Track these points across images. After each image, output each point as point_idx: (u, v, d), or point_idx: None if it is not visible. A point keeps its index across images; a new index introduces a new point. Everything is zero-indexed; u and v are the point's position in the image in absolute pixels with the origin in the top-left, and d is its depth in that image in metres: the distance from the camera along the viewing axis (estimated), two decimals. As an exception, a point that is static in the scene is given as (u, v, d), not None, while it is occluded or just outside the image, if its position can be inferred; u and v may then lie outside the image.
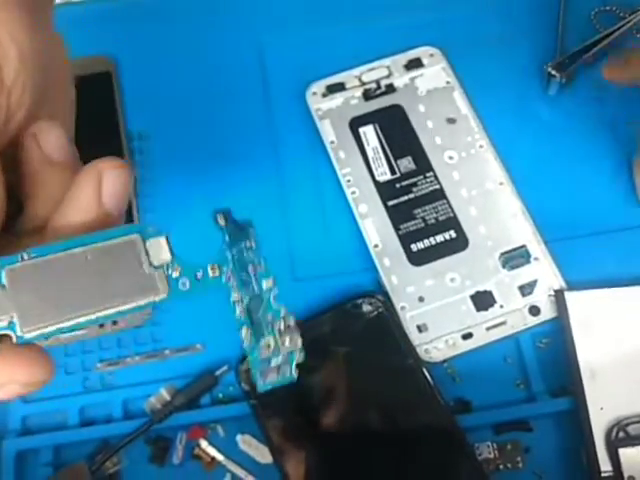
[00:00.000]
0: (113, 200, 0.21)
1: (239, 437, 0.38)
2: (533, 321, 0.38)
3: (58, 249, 0.19)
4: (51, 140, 0.22)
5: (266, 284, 0.21)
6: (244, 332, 0.21)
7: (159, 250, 0.20)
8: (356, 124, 0.43)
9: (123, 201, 0.21)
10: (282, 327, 0.20)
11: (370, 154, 0.43)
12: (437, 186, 0.41)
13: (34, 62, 0.21)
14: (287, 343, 0.20)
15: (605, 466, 0.35)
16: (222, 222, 0.22)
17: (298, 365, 0.21)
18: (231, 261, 0.21)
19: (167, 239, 0.20)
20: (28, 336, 0.18)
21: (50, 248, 0.19)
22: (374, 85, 0.44)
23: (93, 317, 0.19)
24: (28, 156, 0.22)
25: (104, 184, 0.21)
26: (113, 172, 0.21)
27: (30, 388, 0.20)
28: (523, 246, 0.40)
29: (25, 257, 0.19)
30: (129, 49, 0.46)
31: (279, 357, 0.21)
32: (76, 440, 0.38)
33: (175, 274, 0.20)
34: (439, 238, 0.40)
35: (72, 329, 0.19)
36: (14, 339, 0.18)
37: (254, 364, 0.21)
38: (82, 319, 0.19)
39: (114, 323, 0.39)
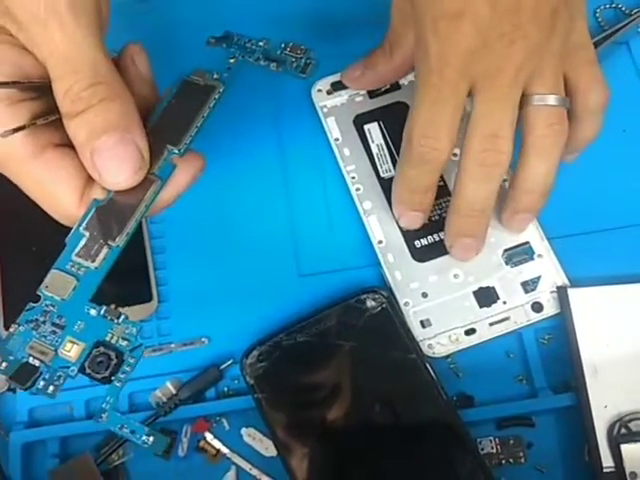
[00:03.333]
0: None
1: (244, 430, 0.38)
2: (536, 317, 0.38)
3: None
4: (143, 61, 0.30)
5: None
6: None
7: None
8: (361, 121, 0.44)
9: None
10: None
11: (375, 151, 0.43)
12: (441, 183, 0.41)
13: None
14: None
15: (607, 462, 0.35)
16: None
17: None
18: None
19: None
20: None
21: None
22: (379, 82, 0.45)
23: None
24: (128, 73, 0.29)
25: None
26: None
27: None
28: (526, 243, 0.40)
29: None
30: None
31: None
32: (82, 432, 0.38)
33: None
34: (442, 235, 0.40)
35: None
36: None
37: None
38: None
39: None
